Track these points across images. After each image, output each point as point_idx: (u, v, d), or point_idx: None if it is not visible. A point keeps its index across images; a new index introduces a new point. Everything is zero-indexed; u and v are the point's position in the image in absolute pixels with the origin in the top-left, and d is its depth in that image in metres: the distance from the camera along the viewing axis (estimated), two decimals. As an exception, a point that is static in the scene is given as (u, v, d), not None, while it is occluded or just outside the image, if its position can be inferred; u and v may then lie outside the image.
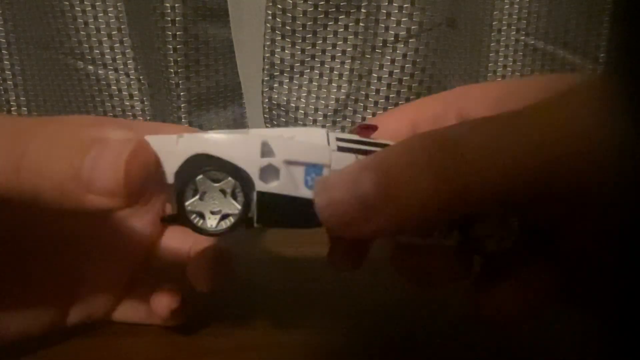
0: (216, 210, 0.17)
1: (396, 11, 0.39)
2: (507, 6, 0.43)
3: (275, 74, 0.43)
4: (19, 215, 0.21)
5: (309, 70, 0.43)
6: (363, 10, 0.40)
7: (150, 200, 0.25)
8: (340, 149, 0.17)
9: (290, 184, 0.17)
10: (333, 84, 0.44)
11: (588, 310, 0.20)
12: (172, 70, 0.40)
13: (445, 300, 0.27)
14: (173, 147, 0.17)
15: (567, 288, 0.19)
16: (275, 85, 0.43)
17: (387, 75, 0.41)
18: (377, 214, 0.14)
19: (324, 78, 0.43)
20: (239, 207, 0.17)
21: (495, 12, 0.43)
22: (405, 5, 0.39)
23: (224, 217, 0.17)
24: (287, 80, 0.43)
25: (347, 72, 0.43)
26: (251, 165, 0.17)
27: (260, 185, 0.17)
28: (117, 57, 0.43)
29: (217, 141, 0.17)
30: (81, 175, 0.15)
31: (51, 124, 0.16)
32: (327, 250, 0.21)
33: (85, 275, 0.23)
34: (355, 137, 0.18)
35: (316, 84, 0.44)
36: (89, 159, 0.15)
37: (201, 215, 0.17)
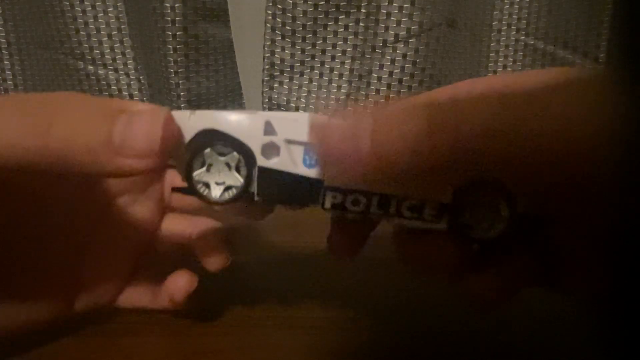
0: (221, 182, 0.18)
1: (396, 11, 0.39)
2: (507, 6, 0.43)
3: (275, 74, 0.43)
4: (24, 203, 0.21)
5: (309, 70, 0.43)
6: (363, 10, 0.40)
7: (148, 188, 0.25)
8: None
9: (290, 162, 0.18)
10: (333, 84, 0.44)
11: (573, 296, 0.20)
12: (172, 70, 0.40)
13: (448, 298, 0.27)
14: (185, 121, 0.18)
15: (551, 275, 0.20)
16: (275, 85, 0.43)
17: (387, 75, 0.41)
18: (370, 151, 0.15)
19: (324, 78, 0.43)
20: (242, 180, 0.18)
21: (495, 12, 0.43)
22: (405, 5, 0.39)
23: (228, 188, 0.18)
24: (287, 80, 0.43)
25: (347, 72, 0.43)
26: (254, 141, 0.18)
27: (261, 161, 0.18)
28: (117, 57, 0.43)
29: (225, 118, 0.18)
30: (112, 140, 0.16)
31: (74, 95, 0.18)
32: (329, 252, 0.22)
33: (90, 263, 0.24)
34: None
35: (316, 84, 0.44)
36: (119, 124, 0.16)
37: (207, 185, 0.18)
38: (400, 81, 0.41)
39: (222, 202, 0.18)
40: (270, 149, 0.18)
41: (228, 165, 0.18)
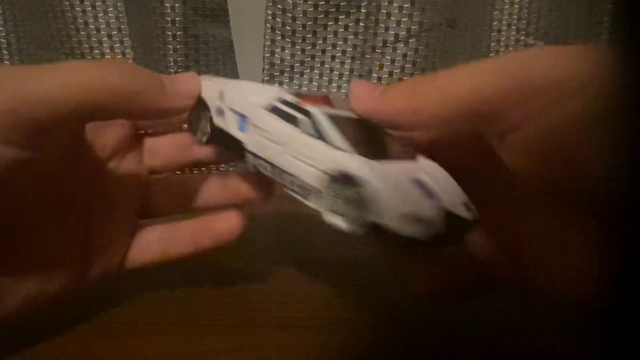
0: (202, 129, 0.25)
1: (396, 11, 0.39)
2: (507, 6, 0.43)
3: (275, 74, 0.43)
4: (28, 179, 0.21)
5: (309, 70, 0.43)
6: (363, 10, 0.40)
7: (127, 155, 0.26)
8: (272, 109, 0.23)
9: (230, 124, 0.24)
10: (333, 84, 0.44)
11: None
12: (172, 71, 0.40)
13: (449, 311, 0.27)
14: None
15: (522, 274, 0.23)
16: (275, 85, 0.43)
17: (387, 75, 0.41)
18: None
19: (324, 78, 0.43)
20: (209, 130, 0.25)
21: (495, 12, 0.43)
22: (405, 5, 0.39)
23: (203, 134, 0.25)
24: (287, 80, 0.43)
25: (347, 72, 0.43)
26: (212, 103, 0.24)
27: (214, 119, 0.24)
28: (117, 57, 0.43)
29: (205, 86, 0.25)
30: (165, 85, 0.22)
31: (121, 59, 0.23)
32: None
33: (94, 228, 0.24)
34: (296, 101, 0.22)
35: (316, 84, 0.44)
36: (165, 77, 0.22)
37: (195, 131, 0.25)
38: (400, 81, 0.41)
39: (198, 141, 0.25)
40: (220, 111, 0.24)
41: (206, 119, 0.25)
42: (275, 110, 0.23)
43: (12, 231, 0.21)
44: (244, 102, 0.24)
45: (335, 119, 0.21)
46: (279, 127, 0.22)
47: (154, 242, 0.26)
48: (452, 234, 0.21)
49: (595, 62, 0.17)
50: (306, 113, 0.22)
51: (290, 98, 0.23)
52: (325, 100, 0.23)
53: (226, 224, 0.25)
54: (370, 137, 0.22)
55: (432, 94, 0.20)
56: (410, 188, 0.20)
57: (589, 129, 0.16)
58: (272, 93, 0.23)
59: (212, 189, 0.27)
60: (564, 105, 0.17)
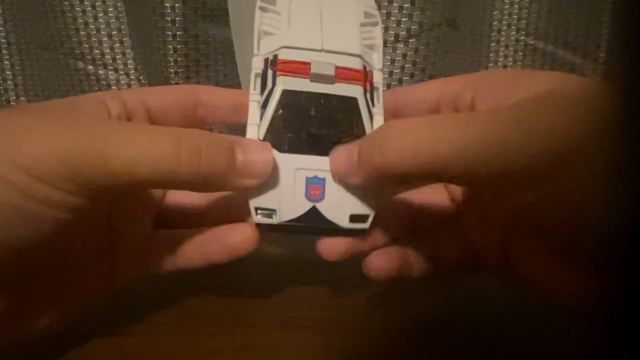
0: None
1: (396, 11, 0.39)
2: (507, 6, 0.43)
3: (275, 74, 0.43)
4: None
5: (309, 70, 0.43)
6: (363, 10, 0.40)
7: None
8: (265, 61, 0.23)
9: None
10: (333, 84, 0.43)
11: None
12: (172, 70, 0.40)
13: (449, 298, 0.27)
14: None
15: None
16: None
17: (387, 75, 0.41)
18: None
19: (324, 78, 0.43)
20: None
21: (495, 12, 0.43)
22: (405, 5, 0.39)
23: None
24: (287, 80, 0.43)
25: (347, 72, 0.43)
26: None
27: None
28: (117, 57, 0.43)
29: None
30: (236, 166, 0.21)
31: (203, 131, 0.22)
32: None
33: (116, 238, 0.25)
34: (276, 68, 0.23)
35: (316, 84, 0.44)
36: (239, 154, 0.22)
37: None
38: (400, 81, 0.41)
39: None
40: None
41: None
42: (266, 63, 0.23)
43: (53, 262, 0.22)
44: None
45: (297, 96, 0.22)
46: (252, 85, 0.23)
47: (167, 252, 0.25)
48: (317, 231, 0.23)
49: (567, 138, 0.17)
50: (273, 83, 0.23)
51: (283, 54, 0.23)
52: (306, 70, 0.23)
53: (241, 236, 0.24)
54: (322, 119, 0.23)
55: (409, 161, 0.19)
56: (288, 183, 0.22)
57: (561, 203, 0.18)
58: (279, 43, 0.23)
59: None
60: (534, 191, 0.18)
